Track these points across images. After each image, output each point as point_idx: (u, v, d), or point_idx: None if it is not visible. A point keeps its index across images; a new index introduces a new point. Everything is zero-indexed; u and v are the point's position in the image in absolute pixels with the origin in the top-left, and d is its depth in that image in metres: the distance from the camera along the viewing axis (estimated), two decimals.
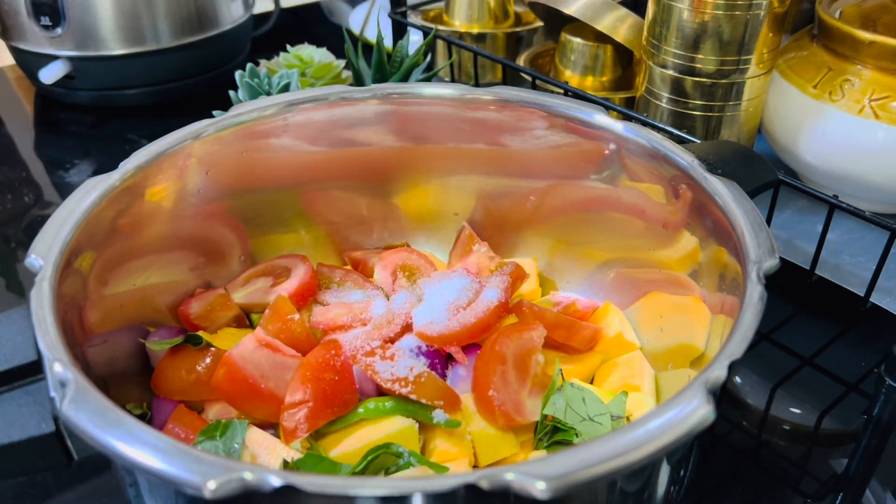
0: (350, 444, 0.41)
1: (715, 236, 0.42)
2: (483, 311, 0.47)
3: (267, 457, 0.40)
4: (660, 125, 0.62)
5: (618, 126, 0.48)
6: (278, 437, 0.42)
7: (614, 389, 0.46)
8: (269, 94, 0.68)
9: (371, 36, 1.00)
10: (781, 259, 0.37)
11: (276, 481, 0.26)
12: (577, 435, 0.42)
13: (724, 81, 0.62)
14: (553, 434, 0.43)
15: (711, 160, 0.44)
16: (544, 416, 0.43)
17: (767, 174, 0.48)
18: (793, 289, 0.61)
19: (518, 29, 0.88)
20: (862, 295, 0.56)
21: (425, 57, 0.73)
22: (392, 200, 0.58)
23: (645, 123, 0.60)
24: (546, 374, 0.45)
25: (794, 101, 0.62)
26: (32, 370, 0.34)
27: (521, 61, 0.83)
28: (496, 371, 0.43)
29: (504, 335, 0.45)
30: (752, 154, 0.49)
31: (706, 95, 0.63)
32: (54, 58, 0.87)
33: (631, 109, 0.66)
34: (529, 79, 0.74)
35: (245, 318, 0.51)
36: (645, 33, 0.65)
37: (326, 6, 1.25)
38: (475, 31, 0.88)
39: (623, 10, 0.73)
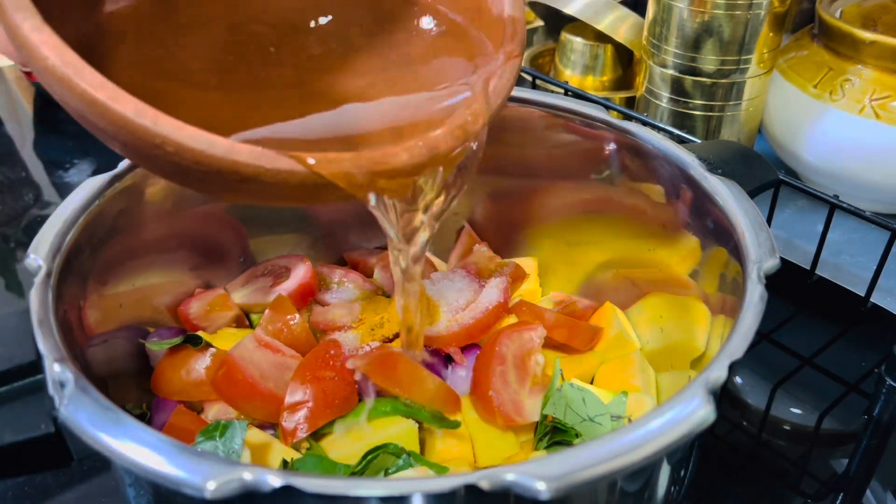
0: (350, 444, 0.41)
1: (715, 236, 0.42)
2: (482, 312, 0.47)
3: (267, 457, 0.40)
4: (660, 125, 0.62)
5: (618, 126, 0.48)
6: (278, 437, 0.42)
7: (614, 389, 0.46)
8: None
9: None
10: (782, 259, 0.37)
11: (275, 481, 0.26)
12: (577, 435, 0.42)
13: (724, 81, 0.62)
14: (553, 434, 0.43)
15: (711, 160, 0.44)
16: (544, 416, 0.43)
17: (768, 174, 0.48)
18: (793, 289, 0.61)
19: None
20: (862, 295, 0.56)
21: None
22: None
23: (645, 123, 0.60)
24: (546, 374, 0.45)
25: (794, 101, 0.62)
26: (32, 370, 0.34)
27: None
28: (496, 371, 0.43)
29: (504, 335, 0.44)
30: (752, 154, 0.49)
31: (706, 95, 0.63)
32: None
33: (631, 109, 0.66)
34: (529, 78, 0.74)
35: (245, 318, 0.51)
36: (645, 33, 0.65)
37: None
38: None
39: (623, 10, 0.73)
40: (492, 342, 0.44)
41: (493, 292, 0.48)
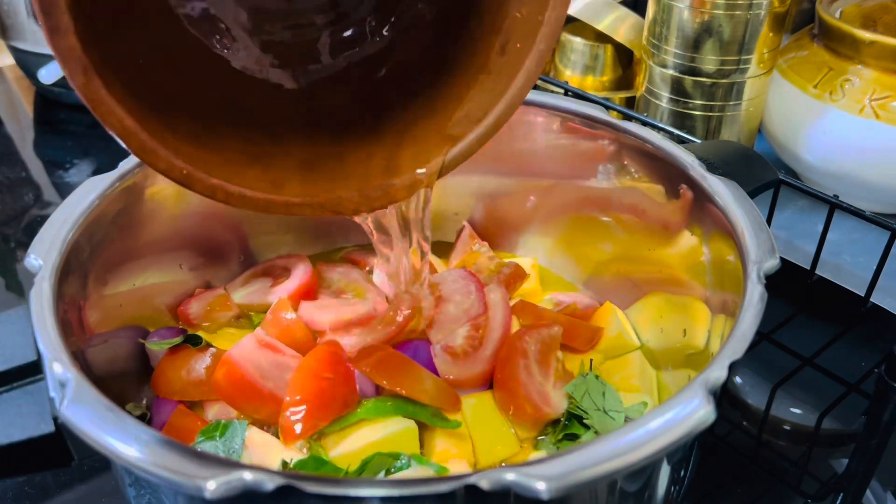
0: (350, 444, 0.41)
1: (715, 236, 0.42)
2: (493, 353, 0.46)
3: (267, 457, 0.40)
4: (660, 125, 0.62)
5: (618, 126, 0.48)
6: (278, 437, 0.42)
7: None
8: None
9: None
10: (782, 259, 0.37)
11: (275, 481, 0.26)
12: (587, 426, 0.42)
13: (724, 81, 0.62)
14: (565, 427, 0.43)
15: (711, 160, 0.44)
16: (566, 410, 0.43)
17: (768, 174, 0.48)
18: (793, 289, 0.61)
19: None
20: (862, 295, 0.56)
21: None
22: None
23: (645, 123, 0.60)
24: (566, 370, 0.45)
25: (794, 101, 0.62)
26: (32, 370, 0.34)
27: None
28: (520, 364, 0.43)
29: (524, 332, 0.45)
30: (752, 154, 0.49)
31: (706, 95, 0.63)
32: (54, 57, 0.87)
33: (631, 109, 0.66)
34: None
35: (245, 319, 0.51)
36: (645, 33, 0.65)
37: None
38: None
39: (623, 10, 0.73)
40: (512, 339, 0.44)
41: (495, 331, 0.46)
